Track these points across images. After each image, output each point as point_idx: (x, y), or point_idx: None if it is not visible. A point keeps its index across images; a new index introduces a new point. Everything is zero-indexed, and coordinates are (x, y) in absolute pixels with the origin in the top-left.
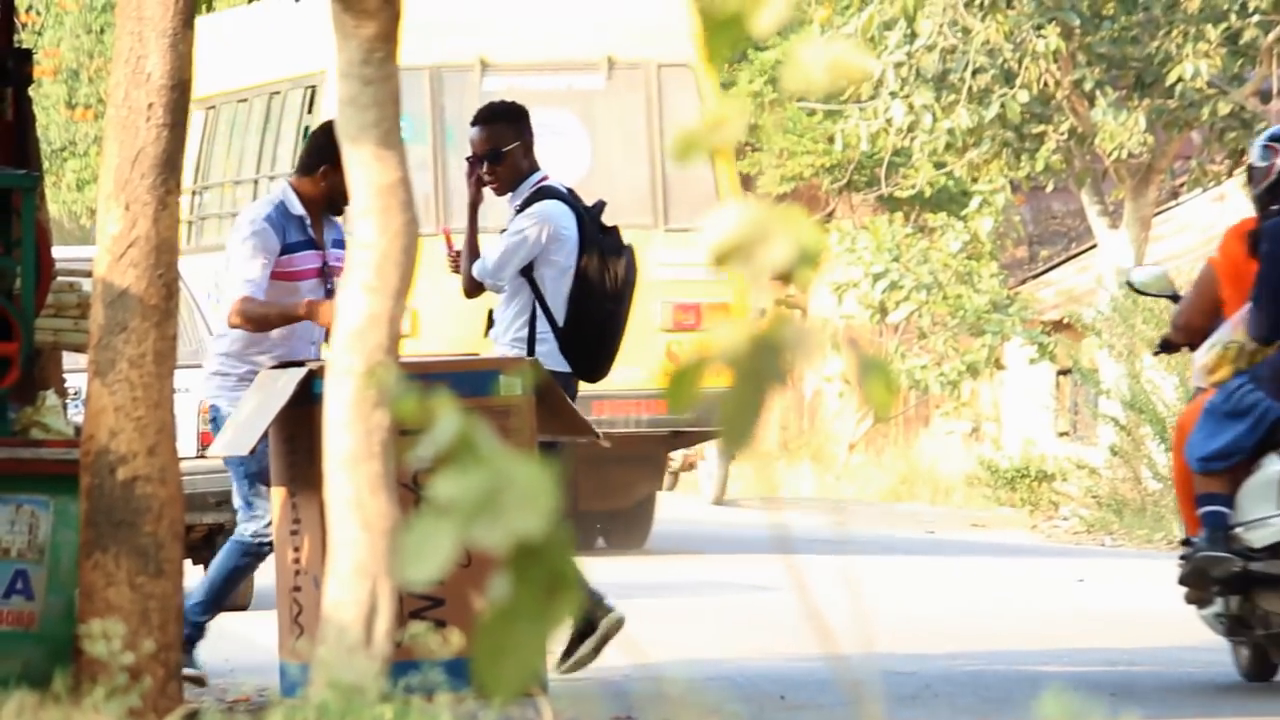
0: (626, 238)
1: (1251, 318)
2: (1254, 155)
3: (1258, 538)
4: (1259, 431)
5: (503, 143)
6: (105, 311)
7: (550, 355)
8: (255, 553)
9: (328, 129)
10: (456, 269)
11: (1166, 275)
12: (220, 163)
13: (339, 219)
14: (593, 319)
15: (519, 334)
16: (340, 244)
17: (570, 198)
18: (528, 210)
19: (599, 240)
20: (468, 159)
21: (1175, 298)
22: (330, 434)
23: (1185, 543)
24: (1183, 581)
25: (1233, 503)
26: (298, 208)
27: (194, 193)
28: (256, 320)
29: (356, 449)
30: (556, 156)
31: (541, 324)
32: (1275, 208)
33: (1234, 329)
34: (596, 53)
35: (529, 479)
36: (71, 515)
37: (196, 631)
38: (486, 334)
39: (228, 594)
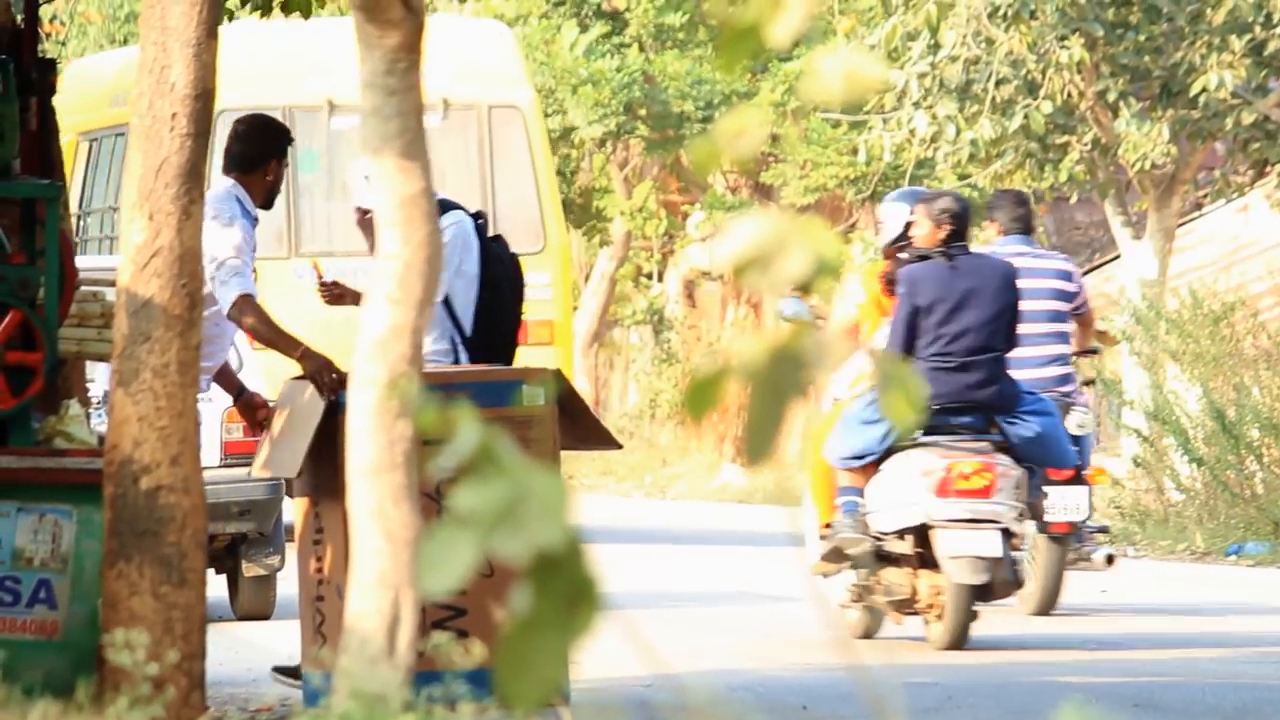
0: None
1: (890, 340)
2: (882, 211)
3: (883, 523)
4: (888, 438)
5: None
6: (129, 321)
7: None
8: None
9: (263, 124)
10: (329, 297)
11: (811, 308)
12: (101, 192)
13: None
14: (499, 329)
15: (438, 346)
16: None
17: (463, 209)
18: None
19: (495, 250)
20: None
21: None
22: (353, 444)
23: (827, 526)
24: (824, 558)
25: (863, 494)
26: (253, 207)
27: (77, 217)
28: (263, 332)
29: (379, 459)
30: None
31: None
32: (902, 256)
33: (872, 349)
34: (433, 95)
35: (550, 490)
36: (95, 525)
37: None
38: None
39: None
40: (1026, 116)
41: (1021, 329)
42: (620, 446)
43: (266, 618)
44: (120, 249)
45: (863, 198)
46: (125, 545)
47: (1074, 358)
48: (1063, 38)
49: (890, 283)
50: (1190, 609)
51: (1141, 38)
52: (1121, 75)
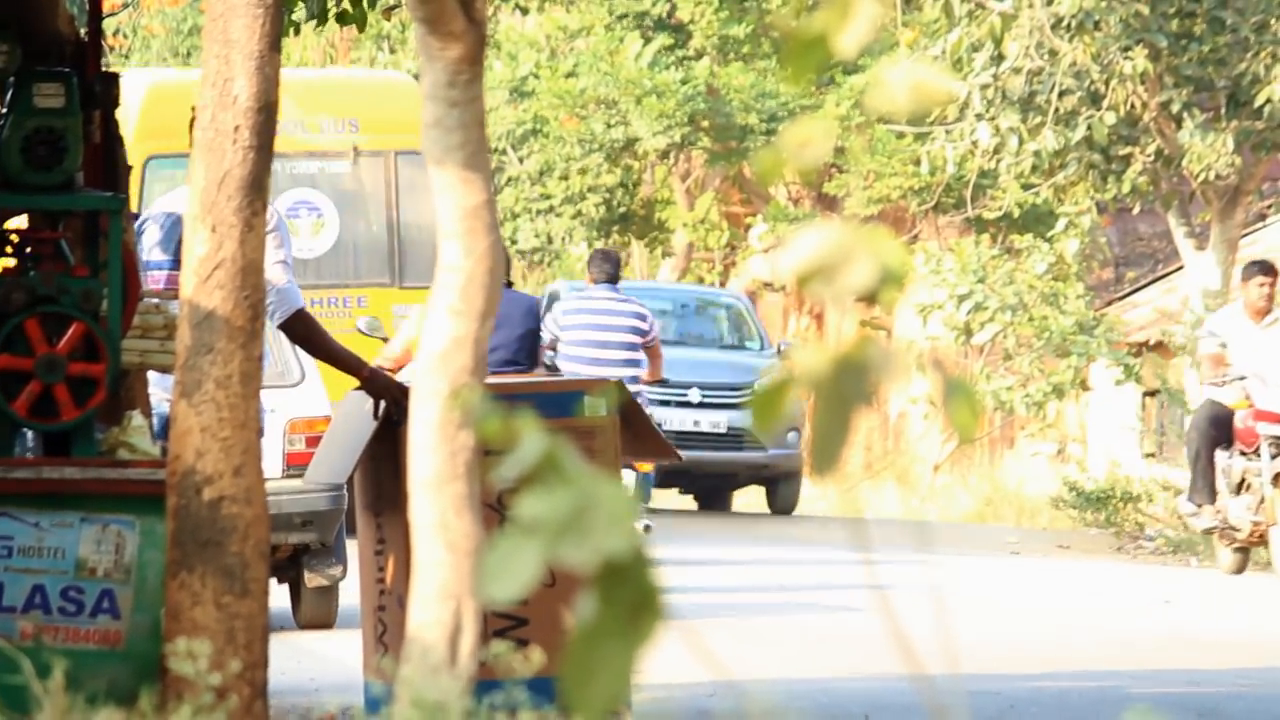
0: (367, 294)
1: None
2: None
3: None
4: None
5: None
6: (192, 333)
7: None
8: None
9: None
10: None
11: (378, 323)
12: None
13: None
14: None
15: None
16: None
17: None
18: None
19: None
20: None
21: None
22: (415, 456)
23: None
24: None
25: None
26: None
27: None
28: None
29: (441, 470)
30: (311, 228)
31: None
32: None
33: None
34: (345, 143)
35: (613, 499)
36: (158, 535)
37: None
38: None
39: None
40: (1090, 127)
41: (603, 353)
42: (680, 459)
43: (329, 627)
44: (183, 261)
45: (926, 209)
46: (188, 555)
47: (646, 385)
48: (1126, 49)
49: None
50: (1254, 619)
51: (1205, 48)
52: (1185, 86)
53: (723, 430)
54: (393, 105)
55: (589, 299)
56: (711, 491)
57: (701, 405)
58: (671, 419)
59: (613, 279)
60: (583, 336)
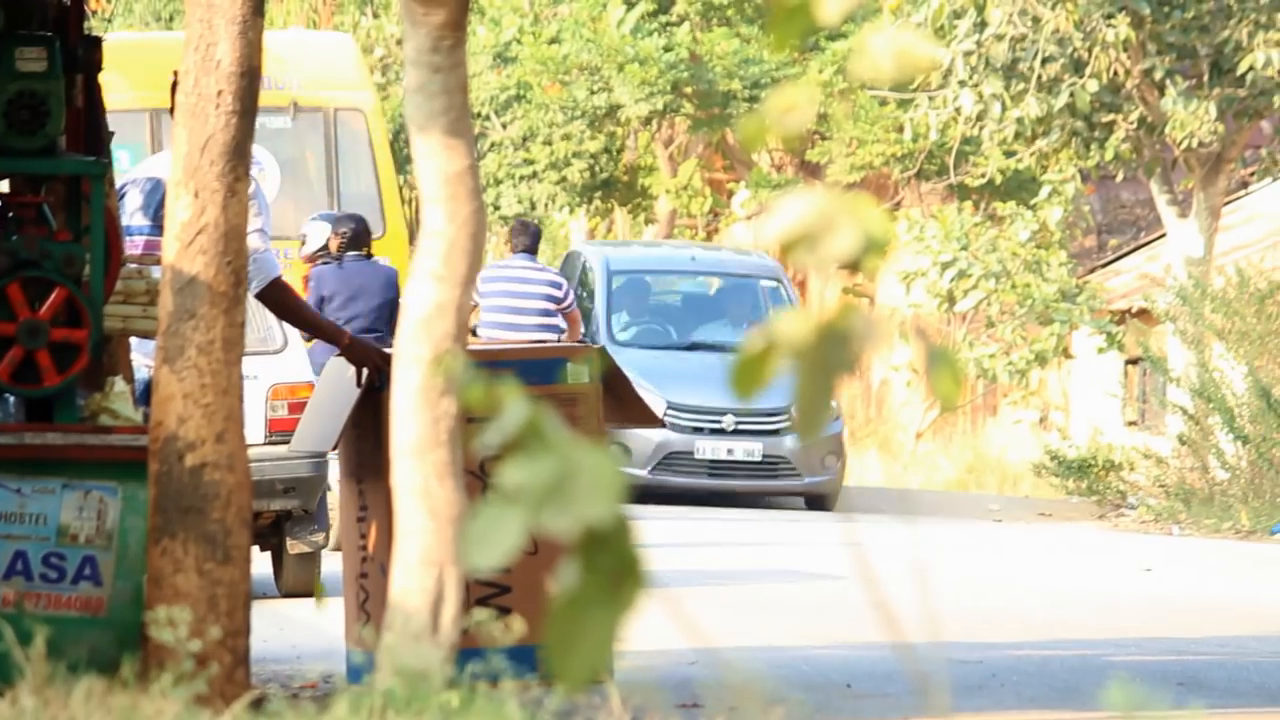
0: None
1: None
2: (307, 227)
3: None
4: None
5: None
6: (174, 298)
7: None
8: None
9: None
10: None
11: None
12: None
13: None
14: None
15: None
16: None
17: None
18: None
19: None
20: None
21: None
22: (397, 422)
23: None
24: None
25: None
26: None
27: None
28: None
29: (424, 437)
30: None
31: None
32: (322, 262)
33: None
34: (284, 98)
35: (596, 466)
36: (140, 502)
37: None
38: None
39: None
40: (1072, 95)
41: (518, 319)
42: (663, 424)
43: (311, 594)
44: (165, 226)
45: (909, 176)
46: (170, 522)
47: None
48: (1109, 16)
49: (307, 280)
50: (1235, 587)
51: (1188, 15)
52: (1168, 53)
53: (758, 458)
54: (332, 63)
55: (506, 268)
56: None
57: (736, 433)
58: (704, 447)
59: (530, 249)
60: (500, 303)
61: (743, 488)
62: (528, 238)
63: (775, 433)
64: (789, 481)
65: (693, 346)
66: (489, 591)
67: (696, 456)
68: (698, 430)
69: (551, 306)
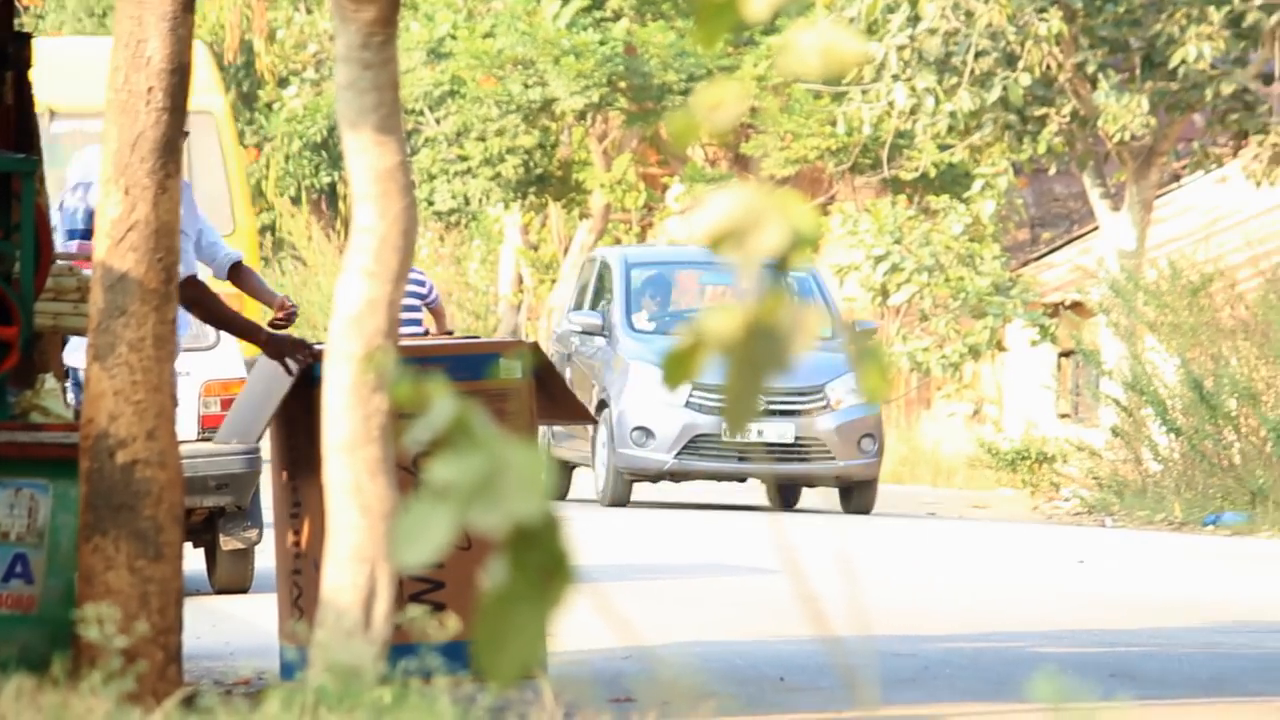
0: None
1: None
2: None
3: None
4: None
5: None
6: (105, 295)
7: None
8: None
9: None
10: None
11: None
12: None
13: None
14: None
15: None
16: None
17: None
18: None
19: None
20: None
21: None
22: (329, 419)
23: None
24: None
25: None
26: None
27: None
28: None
29: (355, 433)
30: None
31: None
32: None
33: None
34: None
35: (524, 463)
36: (71, 499)
37: None
38: None
39: None
40: (1005, 88)
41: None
42: (595, 421)
43: (244, 591)
44: (96, 223)
45: (843, 169)
46: (101, 519)
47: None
48: (1041, 10)
49: None
50: (1168, 579)
51: (1120, 9)
52: (1100, 47)
53: (790, 440)
54: None
55: None
56: (782, 490)
57: (766, 414)
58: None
59: None
60: None
61: (774, 472)
62: None
63: (808, 413)
64: (823, 465)
65: None
66: (422, 588)
67: (724, 439)
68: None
69: (417, 302)
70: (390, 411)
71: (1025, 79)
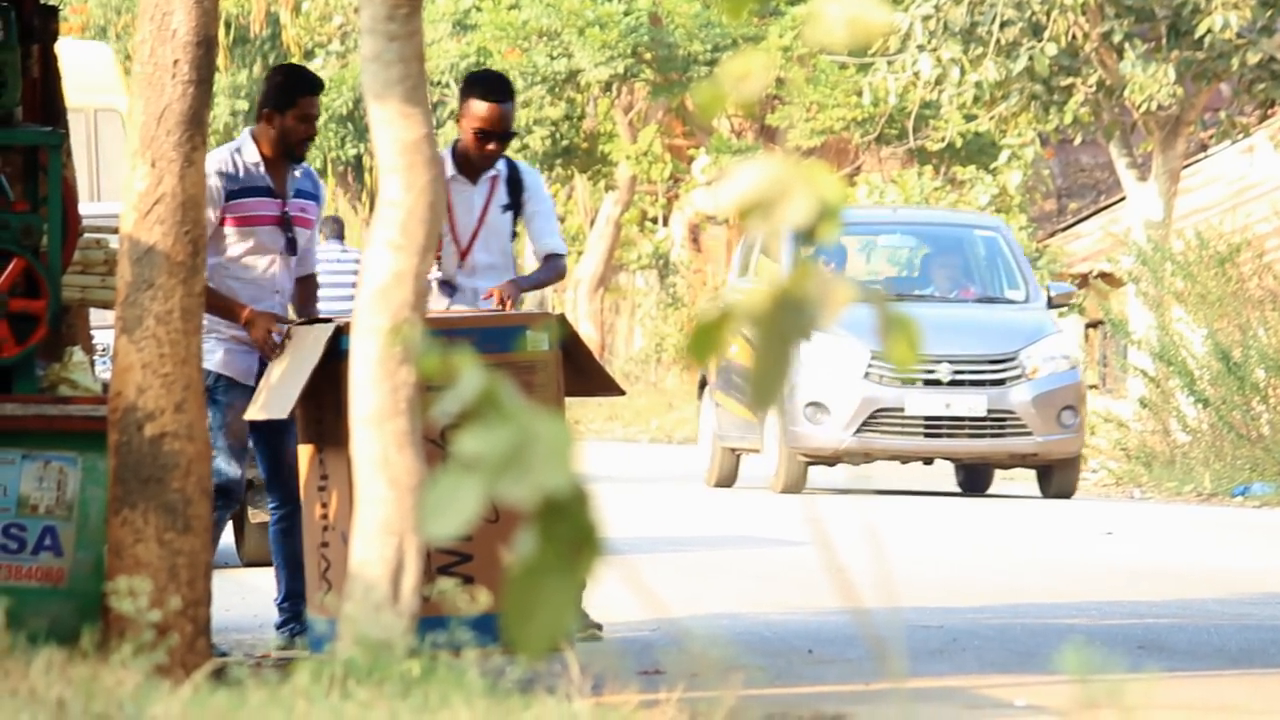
0: None
1: None
2: None
3: None
4: None
5: (511, 123)
6: (132, 268)
7: None
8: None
9: (280, 70)
10: None
11: None
12: None
13: (299, 169)
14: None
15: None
16: (306, 194)
17: None
18: (533, 171)
19: None
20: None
21: None
22: (356, 392)
23: None
24: None
25: None
26: (253, 154)
27: None
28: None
29: (382, 406)
30: None
31: None
32: None
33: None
34: None
35: (554, 435)
36: (100, 472)
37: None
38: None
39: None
40: (1031, 58)
41: (330, 291)
42: (624, 392)
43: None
44: (123, 195)
45: (869, 140)
46: (130, 492)
47: None
48: None
49: None
50: (1197, 550)
51: None
52: (1126, 16)
53: (982, 414)
54: (91, 70)
55: (323, 252)
56: (971, 474)
57: (954, 384)
58: (917, 402)
59: (339, 235)
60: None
61: (964, 449)
62: (337, 227)
63: (1001, 383)
64: (1018, 440)
65: (900, 298)
66: (450, 560)
67: (908, 413)
68: (908, 382)
69: (352, 279)
70: (417, 383)
71: (1051, 49)
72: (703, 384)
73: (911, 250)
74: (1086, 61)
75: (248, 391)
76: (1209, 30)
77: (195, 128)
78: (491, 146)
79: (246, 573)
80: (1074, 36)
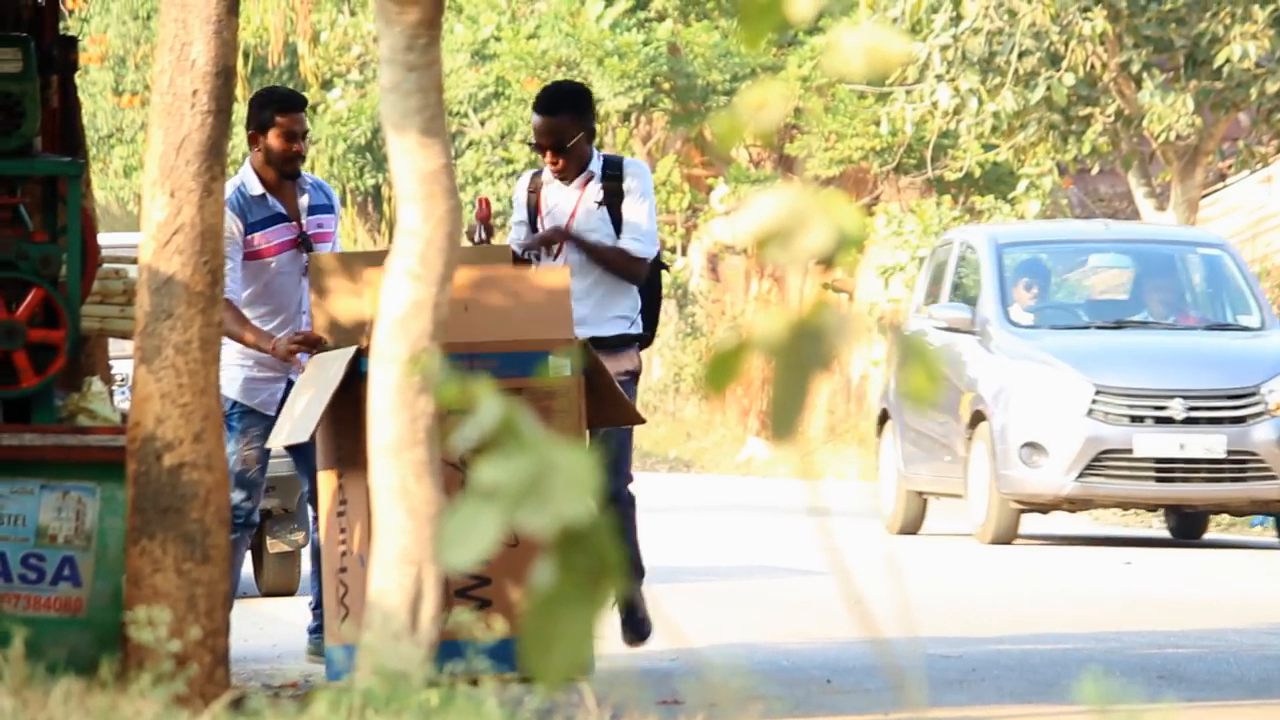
0: None
1: None
2: None
3: None
4: None
5: (569, 135)
6: (151, 298)
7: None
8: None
9: (256, 95)
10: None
11: None
12: None
13: (307, 185)
14: (654, 283)
15: (632, 309)
16: (320, 209)
17: None
18: (636, 170)
19: None
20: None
21: None
22: (375, 421)
23: None
24: None
25: None
26: (256, 185)
27: None
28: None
29: (401, 435)
30: None
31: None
32: None
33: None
34: None
35: (572, 464)
36: (118, 502)
37: None
38: None
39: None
40: (1049, 88)
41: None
42: (644, 421)
43: (291, 593)
44: (142, 226)
45: (887, 170)
46: (148, 522)
47: None
48: (1085, 9)
49: None
50: (1215, 580)
51: (1164, 8)
52: (1145, 46)
53: (1220, 455)
54: None
55: None
56: (1185, 519)
57: (1189, 422)
58: (1146, 443)
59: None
60: None
61: (1200, 495)
62: None
63: (1242, 421)
64: (1261, 484)
65: (1118, 325)
66: (468, 584)
67: (1137, 454)
68: (1137, 420)
69: None
70: (437, 410)
71: (1069, 79)
72: (883, 418)
73: (1126, 270)
74: (1105, 91)
75: (267, 422)
76: (1227, 60)
77: (214, 158)
78: (549, 158)
79: (265, 603)
80: (1092, 66)
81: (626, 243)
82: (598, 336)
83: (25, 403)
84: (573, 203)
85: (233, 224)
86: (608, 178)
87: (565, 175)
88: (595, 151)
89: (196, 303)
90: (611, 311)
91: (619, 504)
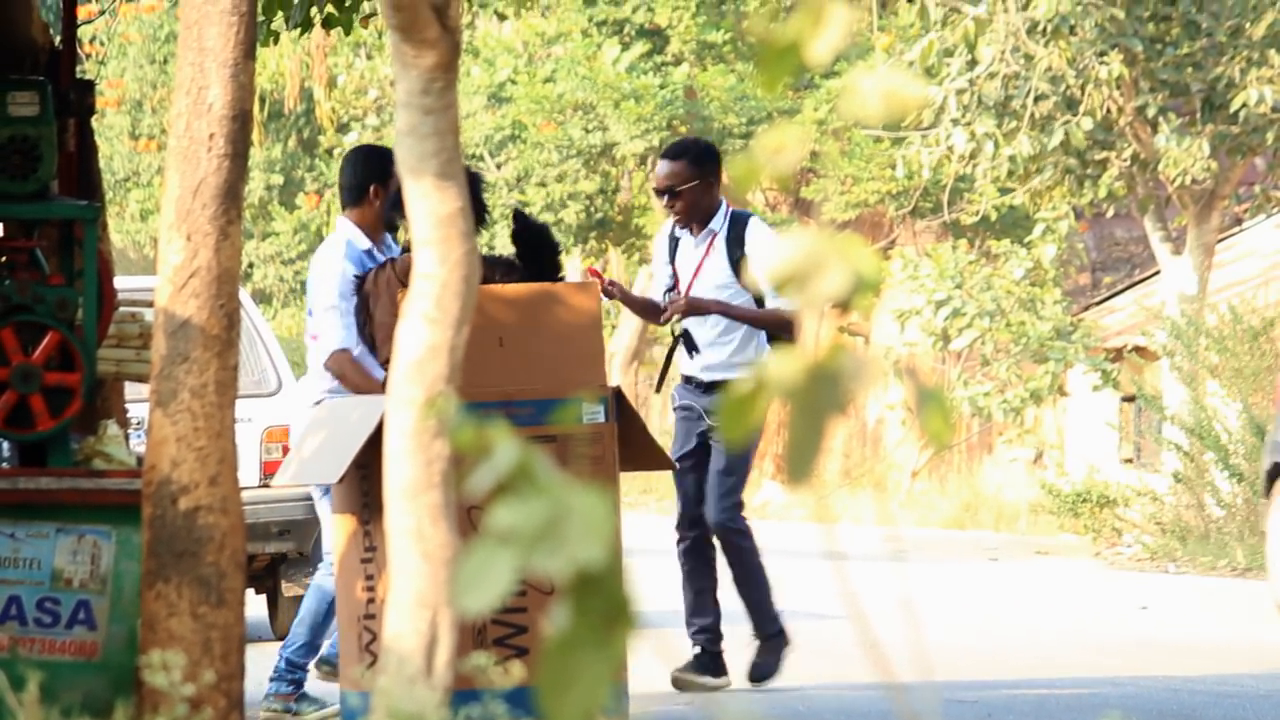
0: None
1: None
2: None
3: None
4: None
5: (680, 180)
6: (167, 342)
7: None
8: None
9: (364, 152)
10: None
11: None
12: None
13: (389, 236)
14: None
15: (758, 353)
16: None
17: None
18: (760, 227)
19: None
20: (656, 190)
21: None
22: (390, 464)
23: None
24: None
25: None
26: (363, 241)
27: None
28: (349, 384)
29: (416, 479)
30: None
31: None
32: None
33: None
34: None
35: (589, 508)
36: (134, 545)
37: (303, 674)
38: (691, 356)
39: (327, 629)
40: (1066, 132)
41: None
42: (675, 467)
43: None
44: (158, 269)
45: (903, 214)
46: (164, 566)
47: None
48: (1102, 53)
49: None
50: (1231, 625)
51: (1181, 53)
52: (1161, 90)
53: None
54: None
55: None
56: None
57: None
58: None
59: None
60: None
61: None
62: None
63: None
64: None
65: None
66: (505, 632)
67: None
68: None
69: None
70: (453, 456)
71: (1086, 123)
72: (1272, 474)
73: None
74: (1121, 135)
75: None
76: (1243, 105)
77: (231, 201)
78: (665, 201)
79: (279, 647)
80: (1108, 111)
81: (777, 302)
82: (722, 380)
83: (41, 446)
84: (697, 261)
85: (351, 273)
86: (731, 237)
87: (682, 222)
88: (724, 207)
89: (212, 346)
90: (739, 358)
91: (727, 533)
